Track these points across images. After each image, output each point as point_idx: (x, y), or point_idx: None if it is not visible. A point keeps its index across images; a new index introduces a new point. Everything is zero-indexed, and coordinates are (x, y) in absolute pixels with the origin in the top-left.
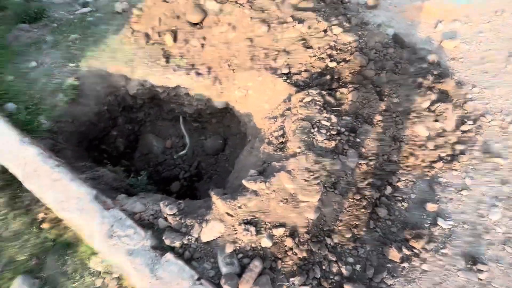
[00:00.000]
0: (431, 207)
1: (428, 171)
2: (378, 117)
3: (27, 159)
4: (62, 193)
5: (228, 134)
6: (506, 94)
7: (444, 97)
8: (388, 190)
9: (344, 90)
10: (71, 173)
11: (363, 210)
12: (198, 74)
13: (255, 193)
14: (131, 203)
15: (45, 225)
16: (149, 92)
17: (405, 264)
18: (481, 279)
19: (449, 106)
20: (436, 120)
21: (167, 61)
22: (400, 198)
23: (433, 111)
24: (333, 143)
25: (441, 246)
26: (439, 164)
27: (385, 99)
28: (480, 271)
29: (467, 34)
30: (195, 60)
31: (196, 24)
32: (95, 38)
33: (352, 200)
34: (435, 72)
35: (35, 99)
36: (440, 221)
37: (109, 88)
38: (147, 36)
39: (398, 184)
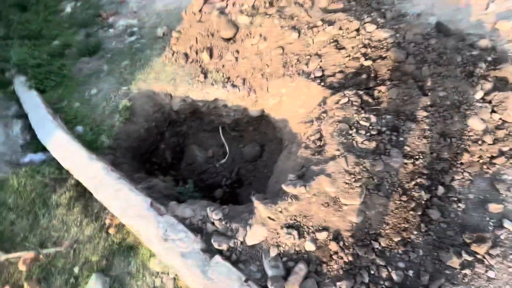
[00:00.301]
0: (494, 207)
1: (488, 168)
2: (423, 113)
3: (95, 172)
4: (123, 202)
5: (265, 140)
6: None
7: (502, 85)
8: (440, 190)
9: (382, 88)
10: (129, 184)
11: (412, 212)
12: (234, 86)
13: (295, 197)
14: (181, 209)
15: (111, 230)
16: (190, 107)
17: (467, 271)
18: None
19: (509, 94)
20: (494, 111)
21: (205, 77)
22: (456, 199)
23: (489, 102)
24: (373, 144)
25: (510, 252)
26: (501, 160)
27: (429, 93)
28: None
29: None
30: (230, 73)
31: (229, 39)
32: (142, 63)
33: (398, 202)
34: (489, 58)
35: (97, 121)
36: (507, 223)
37: (155, 106)
38: (186, 55)
39: (452, 183)
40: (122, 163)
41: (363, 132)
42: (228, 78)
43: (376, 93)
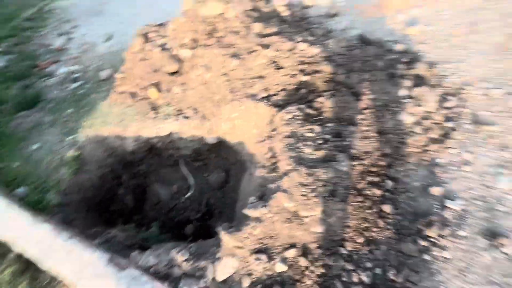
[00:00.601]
0: (435, 190)
1: (424, 156)
2: (360, 116)
3: (41, 237)
4: (77, 263)
5: (229, 165)
6: (481, 62)
7: (420, 81)
8: (389, 184)
9: (321, 99)
10: (83, 241)
11: (368, 210)
12: (186, 117)
13: (258, 219)
14: (145, 258)
15: None
16: (145, 145)
17: (426, 256)
18: (506, 253)
19: (425, 88)
20: (418, 105)
21: (156, 113)
22: (404, 189)
23: (412, 97)
24: (322, 152)
25: (457, 229)
26: (433, 147)
27: (361, 98)
28: (502, 245)
29: (428, 16)
30: (180, 105)
31: (175, 72)
32: (88, 108)
33: (355, 203)
34: (405, 60)
35: (42, 178)
36: (449, 203)
37: (107, 151)
38: (133, 94)
39: (398, 176)
40: (75, 219)
41: (310, 143)
42: (179, 110)
43: (317, 105)
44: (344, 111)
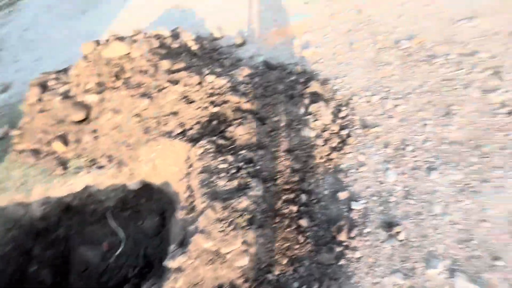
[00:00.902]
0: (342, 195)
1: (329, 164)
2: (267, 139)
3: None
4: None
5: (161, 207)
6: (360, 74)
7: (316, 97)
8: (303, 198)
9: (231, 128)
10: None
11: (288, 229)
12: (100, 167)
13: (179, 269)
14: None
15: None
16: (58, 206)
17: (342, 261)
18: (401, 240)
19: (321, 103)
20: (317, 120)
21: (65, 168)
22: (317, 200)
23: (311, 113)
24: (235, 182)
25: (363, 227)
26: (334, 155)
27: (267, 122)
28: (398, 233)
29: (317, 40)
30: (93, 155)
31: (83, 120)
32: None
33: (274, 225)
34: (302, 80)
35: None
36: (354, 204)
37: (8, 223)
38: (35, 152)
39: (310, 188)
40: None
41: (223, 174)
42: (92, 160)
43: (228, 134)
44: (253, 136)
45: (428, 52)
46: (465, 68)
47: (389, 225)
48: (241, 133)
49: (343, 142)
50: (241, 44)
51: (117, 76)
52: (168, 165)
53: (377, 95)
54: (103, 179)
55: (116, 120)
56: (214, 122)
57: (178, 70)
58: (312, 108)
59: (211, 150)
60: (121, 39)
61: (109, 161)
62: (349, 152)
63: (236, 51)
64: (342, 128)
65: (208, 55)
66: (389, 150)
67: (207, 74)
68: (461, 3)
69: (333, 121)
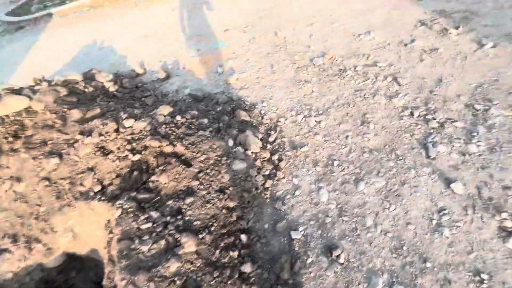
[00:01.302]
0: (281, 226)
1: (266, 194)
2: (195, 183)
3: None
4: None
5: (97, 278)
6: (284, 95)
7: (244, 126)
8: (244, 238)
9: (154, 177)
10: None
11: (230, 281)
12: (2, 251)
13: None
14: None
15: None
16: None
17: None
18: (342, 263)
19: (248, 132)
20: (246, 150)
21: None
22: (257, 237)
23: (240, 143)
24: (162, 242)
25: (305, 257)
26: (269, 183)
27: (193, 163)
28: (338, 256)
29: (240, 65)
30: None
31: None
32: None
33: (214, 281)
34: (229, 109)
35: None
36: (294, 234)
37: None
38: None
39: (249, 225)
40: None
41: (147, 237)
42: None
43: (151, 185)
44: (180, 182)
45: (339, 66)
46: (370, 78)
47: (329, 249)
48: (165, 181)
49: (276, 167)
50: (166, 78)
51: (15, 136)
52: (91, 231)
53: (301, 114)
54: (9, 265)
55: (18, 189)
56: (136, 173)
57: (92, 118)
58: (241, 138)
59: (131, 209)
60: (17, 91)
61: (14, 241)
62: (283, 177)
63: (161, 86)
64: (273, 153)
65: (130, 95)
66: (319, 168)
67: (125, 118)
68: (358, 20)
69: (264, 147)
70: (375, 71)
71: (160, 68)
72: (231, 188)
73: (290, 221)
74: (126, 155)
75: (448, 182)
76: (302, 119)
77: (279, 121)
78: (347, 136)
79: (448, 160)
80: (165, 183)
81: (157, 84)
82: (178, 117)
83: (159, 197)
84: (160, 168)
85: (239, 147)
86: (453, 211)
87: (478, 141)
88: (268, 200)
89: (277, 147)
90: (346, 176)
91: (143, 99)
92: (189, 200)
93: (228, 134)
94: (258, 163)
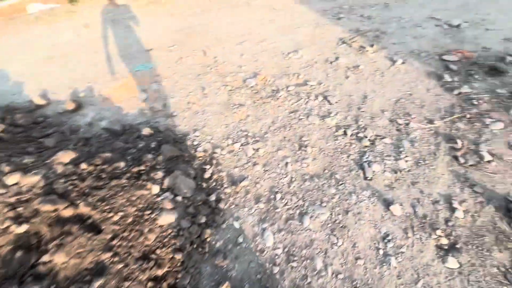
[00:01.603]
0: (224, 286)
1: (203, 249)
2: (107, 255)
3: None
4: None
5: None
6: (217, 122)
7: (173, 164)
8: None
9: (46, 256)
10: None
11: None
12: None
13: None
14: None
15: None
16: None
17: None
18: None
19: (177, 173)
20: (176, 196)
21: None
22: None
23: (170, 188)
24: None
25: None
26: (207, 233)
27: (104, 227)
28: None
29: (168, 89)
30: None
31: None
32: None
33: None
34: (154, 145)
35: None
36: None
37: None
38: None
39: None
40: None
41: None
42: None
43: (44, 268)
44: (85, 259)
45: (272, 87)
46: (303, 97)
47: None
48: (63, 260)
49: (214, 211)
50: (76, 109)
51: None
52: None
53: (238, 142)
54: None
55: None
56: (21, 252)
57: None
58: (169, 181)
59: None
60: None
61: None
62: (223, 222)
63: (69, 119)
64: (210, 193)
65: (24, 135)
66: (262, 205)
67: (9, 172)
68: (286, 38)
69: (198, 187)
70: (307, 90)
71: (69, 97)
72: (158, 251)
73: (234, 279)
74: (7, 227)
75: (386, 203)
76: (239, 148)
77: (215, 153)
78: (286, 163)
79: (384, 179)
80: (63, 263)
81: (65, 118)
82: (84, 165)
83: (54, 285)
84: (56, 242)
85: (167, 193)
86: (396, 235)
87: (406, 156)
88: (207, 255)
89: (214, 184)
90: (290, 211)
91: (42, 139)
92: (98, 283)
93: (152, 178)
94: (191, 209)
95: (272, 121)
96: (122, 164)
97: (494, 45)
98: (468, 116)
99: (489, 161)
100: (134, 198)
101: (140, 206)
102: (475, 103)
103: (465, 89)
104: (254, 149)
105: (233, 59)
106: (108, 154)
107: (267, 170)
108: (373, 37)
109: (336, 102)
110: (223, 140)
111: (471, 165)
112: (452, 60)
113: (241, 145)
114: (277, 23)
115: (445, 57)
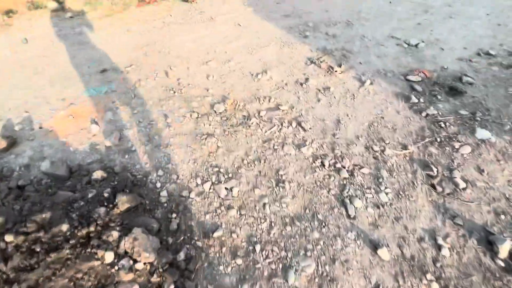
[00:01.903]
0: None
1: None
2: None
3: None
4: None
5: None
6: (185, 156)
7: (132, 218)
8: None
9: None
10: None
11: None
12: None
13: None
14: None
15: None
16: None
17: None
18: None
19: (137, 230)
20: (136, 262)
21: None
22: None
23: (127, 253)
24: None
25: None
26: None
27: None
28: None
29: (124, 118)
30: None
31: None
32: None
33: None
34: (107, 193)
35: None
36: None
37: None
38: None
39: None
40: None
41: None
42: None
43: None
44: None
45: (242, 112)
46: (276, 124)
47: None
48: None
49: (183, 274)
50: (9, 147)
51: None
52: None
53: (208, 181)
54: None
55: None
56: None
57: None
58: (126, 243)
59: None
60: None
61: None
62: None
63: (1, 159)
64: (178, 250)
65: None
66: (239, 260)
67: None
68: (253, 58)
69: (163, 245)
70: (279, 116)
71: None
72: None
73: None
74: None
75: (373, 246)
76: (210, 189)
77: (182, 196)
78: (264, 205)
79: (367, 216)
80: None
81: None
82: (9, 237)
83: None
84: None
85: (125, 261)
86: (387, 284)
87: (386, 188)
88: None
89: (182, 238)
90: (273, 266)
91: None
92: None
93: (104, 242)
94: (156, 277)
95: (245, 153)
96: (65, 227)
97: (451, 64)
98: (438, 139)
99: (464, 188)
100: (80, 275)
101: (89, 284)
102: (443, 125)
103: (432, 110)
104: (227, 188)
105: (199, 81)
106: (45, 215)
107: (243, 215)
108: (340, 56)
109: (310, 129)
110: (191, 179)
111: (448, 194)
112: (416, 81)
113: (212, 184)
114: (243, 40)
115: (409, 77)
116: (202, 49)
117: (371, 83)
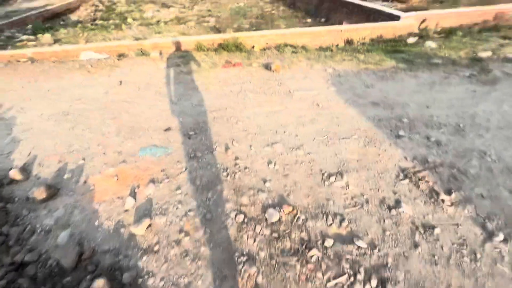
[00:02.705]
0: None
1: None
2: None
3: None
4: None
5: None
6: (208, 285)
7: None
8: None
9: None
10: None
11: None
12: None
13: None
14: None
15: None
16: None
17: None
18: None
19: None
20: None
21: None
22: None
23: None
24: None
25: None
26: None
27: None
28: None
29: (163, 199)
30: None
31: None
32: None
33: None
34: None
35: None
36: None
37: None
38: None
39: None
40: None
41: None
42: None
43: None
44: None
45: (300, 231)
46: (346, 271)
47: None
48: None
49: None
50: (47, 199)
51: None
52: None
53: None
54: None
55: None
56: None
57: None
58: None
59: None
60: None
61: None
62: None
63: (34, 213)
64: None
65: None
66: None
67: None
68: (329, 150)
69: None
70: (353, 257)
71: (49, 176)
72: None
73: None
74: None
75: None
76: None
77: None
78: None
79: None
80: None
81: (27, 210)
82: None
83: None
84: None
85: None
86: None
87: None
88: None
89: None
90: None
91: None
92: None
93: None
94: None
95: None
96: None
97: None
98: None
99: None
100: None
101: None
102: None
103: None
104: None
105: (258, 167)
106: None
107: None
108: (448, 176)
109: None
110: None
111: None
112: None
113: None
114: (319, 124)
115: None
116: (271, 126)
117: (505, 240)
